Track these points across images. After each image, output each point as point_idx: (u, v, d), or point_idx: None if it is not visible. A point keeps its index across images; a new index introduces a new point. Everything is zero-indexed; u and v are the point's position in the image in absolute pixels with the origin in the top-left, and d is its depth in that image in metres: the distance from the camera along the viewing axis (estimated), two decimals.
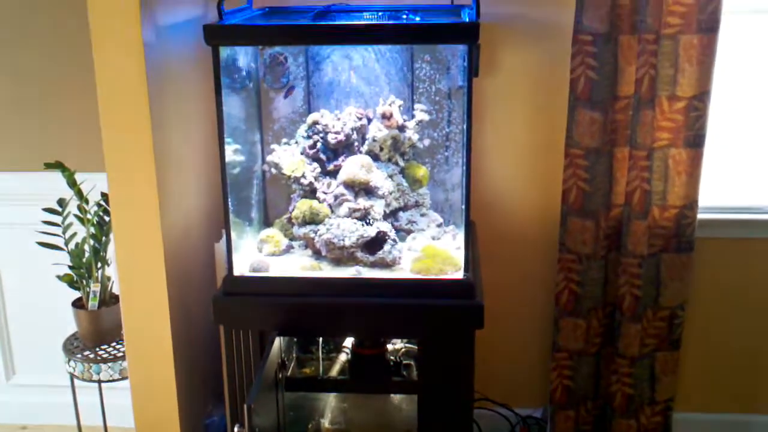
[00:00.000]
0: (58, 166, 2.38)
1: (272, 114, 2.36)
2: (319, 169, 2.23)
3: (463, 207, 2.03)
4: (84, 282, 2.45)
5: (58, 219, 2.42)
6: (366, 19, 2.15)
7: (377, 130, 2.21)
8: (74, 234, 2.45)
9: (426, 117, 2.25)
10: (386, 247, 2.09)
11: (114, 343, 2.49)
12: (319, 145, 2.23)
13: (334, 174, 2.22)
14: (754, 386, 2.75)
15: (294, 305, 2.02)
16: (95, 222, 2.41)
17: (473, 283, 1.99)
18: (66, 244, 2.44)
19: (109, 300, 2.48)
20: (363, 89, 2.31)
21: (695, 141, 2.30)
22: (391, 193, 2.20)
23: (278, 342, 2.02)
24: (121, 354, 2.43)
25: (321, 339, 2.30)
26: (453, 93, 2.29)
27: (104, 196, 2.39)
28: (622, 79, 2.32)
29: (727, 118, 2.55)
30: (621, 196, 2.44)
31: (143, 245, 2.06)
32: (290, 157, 2.23)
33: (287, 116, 2.36)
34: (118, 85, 1.94)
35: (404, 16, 2.11)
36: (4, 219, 2.78)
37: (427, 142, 2.31)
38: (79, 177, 2.40)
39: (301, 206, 2.17)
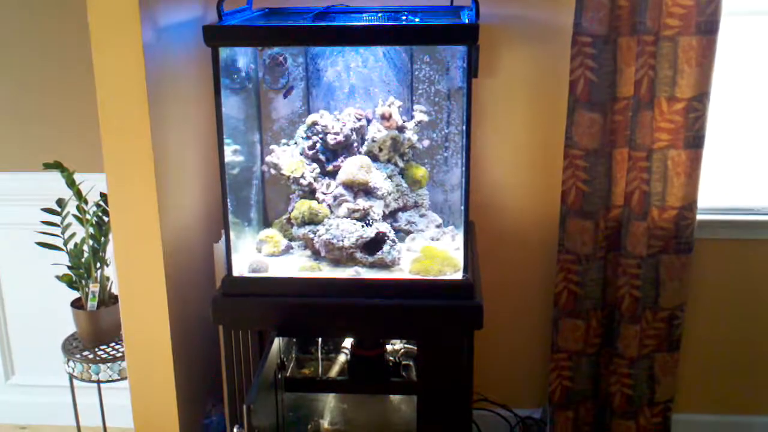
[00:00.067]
0: (57, 166, 2.38)
1: (271, 114, 2.36)
2: (318, 170, 2.23)
3: (463, 208, 2.03)
4: (83, 282, 2.45)
5: (57, 219, 2.42)
6: (365, 20, 2.15)
7: (376, 131, 2.22)
8: (73, 234, 2.45)
9: (425, 118, 2.26)
10: (385, 247, 2.09)
11: (113, 344, 2.49)
12: (318, 145, 2.23)
13: (333, 175, 2.22)
14: (754, 387, 2.75)
15: (293, 306, 2.02)
16: (94, 222, 2.42)
17: (472, 284, 1.99)
18: (65, 244, 2.44)
19: (108, 300, 2.48)
20: (362, 90, 2.31)
21: (694, 142, 2.30)
22: (390, 194, 2.20)
23: (277, 342, 2.02)
24: (120, 354, 2.43)
25: (320, 339, 2.31)
26: (452, 94, 2.29)
27: (103, 196, 2.39)
28: (621, 80, 2.33)
29: (726, 119, 2.55)
30: (620, 197, 2.44)
31: (142, 245, 2.07)
32: (289, 158, 2.23)
33: (286, 117, 2.36)
34: (118, 86, 1.95)
35: (404, 17, 2.11)
36: (3, 219, 2.78)
37: (426, 142, 2.31)
38: (78, 177, 2.40)
39: (301, 207, 2.17)
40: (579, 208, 2.42)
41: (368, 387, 2.23)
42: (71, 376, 2.48)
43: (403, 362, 2.24)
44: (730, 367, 2.73)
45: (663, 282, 2.44)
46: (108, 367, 2.41)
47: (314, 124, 2.24)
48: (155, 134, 1.99)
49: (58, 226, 2.42)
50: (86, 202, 2.42)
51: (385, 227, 2.11)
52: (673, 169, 2.33)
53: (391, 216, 2.24)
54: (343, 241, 2.08)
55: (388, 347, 2.26)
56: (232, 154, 2.07)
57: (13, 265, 2.84)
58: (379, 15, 2.18)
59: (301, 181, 2.21)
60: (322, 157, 2.24)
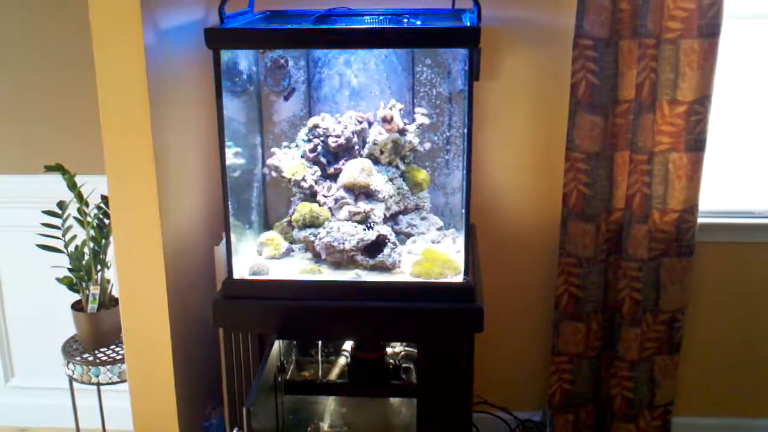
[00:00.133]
0: (58, 168, 2.38)
1: (273, 117, 2.36)
2: (319, 173, 2.23)
3: (464, 210, 2.03)
4: (83, 284, 2.45)
5: (58, 221, 2.42)
6: (367, 23, 2.15)
7: (378, 134, 2.21)
8: (74, 236, 2.45)
9: (426, 121, 2.25)
10: (386, 250, 2.08)
11: (113, 346, 2.49)
12: (319, 148, 2.23)
13: (334, 177, 2.22)
14: (754, 390, 2.75)
15: (293, 308, 2.02)
16: (95, 225, 2.41)
17: (473, 287, 1.99)
18: (66, 246, 2.44)
19: (109, 303, 2.48)
20: (364, 93, 2.31)
21: (696, 145, 2.30)
22: (391, 197, 2.20)
23: (277, 345, 2.01)
24: (120, 357, 2.43)
25: (320, 342, 2.30)
26: (454, 97, 2.29)
27: (104, 198, 2.39)
28: (622, 83, 2.33)
29: (728, 122, 2.55)
30: (621, 200, 2.44)
31: (143, 248, 2.06)
32: (290, 161, 2.23)
33: (288, 119, 2.36)
34: (119, 88, 1.94)
35: (405, 20, 2.11)
36: (4, 221, 2.78)
37: (427, 145, 2.31)
38: (79, 180, 2.40)
39: (301, 209, 2.17)
40: (580, 211, 2.42)
41: (368, 390, 2.23)
42: (71, 379, 2.48)
43: (404, 365, 2.24)
44: (730, 370, 2.73)
45: (664, 285, 2.44)
46: (108, 370, 2.41)
47: (315, 126, 2.24)
48: (156, 136, 1.99)
49: (59, 228, 2.42)
50: (87, 205, 2.42)
51: (386, 230, 2.11)
52: (675, 173, 2.33)
53: (392, 219, 2.24)
54: (344, 243, 2.07)
55: (389, 350, 2.26)
56: (233, 156, 2.07)
57: (14, 267, 2.84)
58: (381, 18, 2.18)
59: (302, 183, 2.21)
60: (323, 160, 2.24)
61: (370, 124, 2.26)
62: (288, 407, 2.16)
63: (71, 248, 2.44)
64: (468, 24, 1.97)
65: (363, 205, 2.13)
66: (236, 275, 2.04)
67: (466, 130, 1.95)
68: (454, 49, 2.21)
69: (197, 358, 2.34)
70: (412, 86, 2.30)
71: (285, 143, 2.31)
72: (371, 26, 2.08)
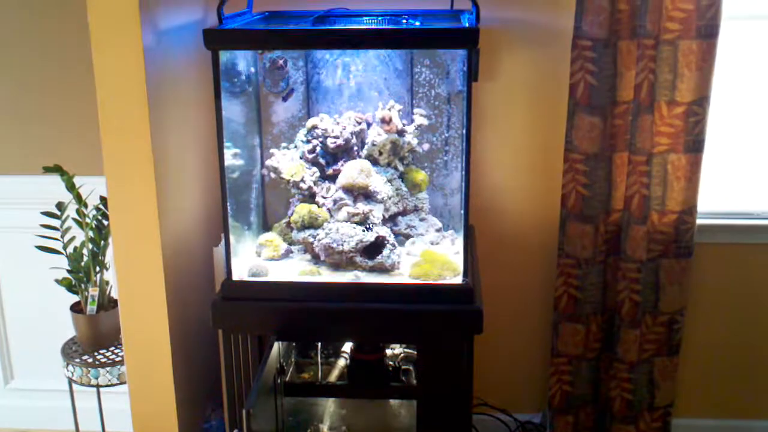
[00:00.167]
0: (57, 169, 2.38)
1: (271, 118, 2.36)
2: (318, 174, 2.23)
3: (462, 211, 2.03)
4: (82, 286, 2.45)
5: (56, 223, 2.42)
6: (366, 24, 2.15)
7: (376, 135, 2.21)
8: (73, 238, 2.45)
9: (425, 121, 2.26)
10: (385, 251, 2.08)
11: (112, 348, 2.48)
12: (318, 149, 2.23)
13: (333, 178, 2.22)
14: (754, 391, 2.75)
15: (293, 310, 2.02)
16: (94, 226, 2.41)
17: (472, 288, 1.99)
18: (64, 248, 2.44)
19: (108, 304, 2.48)
20: (362, 93, 2.31)
21: (694, 146, 2.30)
22: (390, 198, 2.20)
23: (277, 347, 2.01)
24: (119, 358, 2.42)
25: (320, 344, 2.30)
26: (452, 97, 2.30)
27: (103, 200, 2.39)
28: (621, 84, 2.33)
29: (726, 123, 2.55)
30: (620, 201, 2.44)
31: (142, 249, 2.06)
32: (289, 162, 2.23)
33: (286, 120, 2.36)
34: (118, 89, 1.94)
35: (404, 21, 2.11)
36: (2, 222, 2.78)
37: (426, 146, 2.31)
38: (78, 181, 2.40)
39: (300, 210, 2.17)
40: (579, 212, 2.42)
41: (368, 391, 2.23)
42: (70, 381, 2.48)
43: (403, 367, 2.24)
44: (729, 372, 2.73)
45: (663, 286, 2.44)
46: (107, 372, 2.41)
47: (314, 127, 2.24)
48: (155, 137, 1.99)
49: (58, 229, 2.42)
50: (86, 206, 2.41)
51: (384, 231, 2.11)
52: (673, 174, 2.33)
53: (390, 220, 2.24)
54: (342, 245, 2.07)
55: (388, 351, 2.26)
56: (232, 157, 2.07)
57: (13, 268, 2.84)
58: (380, 19, 2.18)
59: (301, 185, 2.21)
60: (322, 161, 2.24)
61: (368, 125, 2.26)
62: (287, 409, 2.16)
63: (70, 249, 2.44)
64: (467, 25, 1.97)
65: (362, 207, 2.13)
66: (235, 277, 2.04)
67: (464, 131, 1.95)
68: (452, 50, 2.21)
69: (197, 360, 2.33)
70: (410, 87, 2.30)
71: (284, 144, 2.31)
72: (370, 27, 2.08)
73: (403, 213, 2.27)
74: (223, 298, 2.03)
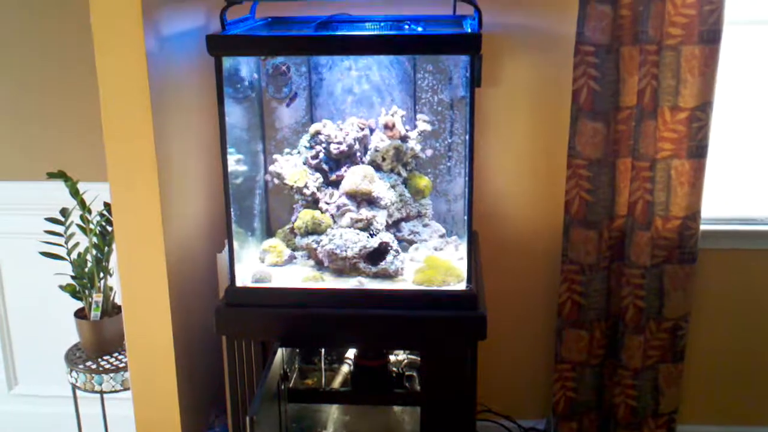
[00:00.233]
0: (60, 175, 2.39)
1: (275, 124, 2.36)
2: (321, 179, 2.23)
3: (466, 217, 2.03)
4: (86, 292, 2.45)
5: (60, 229, 2.42)
6: (368, 30, 2.15)
7: (379, 141, 2.22)
8: (77, 244, 2.45)
9: (428, 127, 2.26)
10: (388, 257, 2.08)
11: (116, 354, 2.48)
12: (321, 155, 2.23)
13: (336, 184, 2.22)
14: (758, 397, 2.74)
15: (296, 316, 2.02)
16: (98, 232, 2.42)
17: (476, 294, 1.99)
18: (68, 253, 2.44)
19: (112, 310, 2.48)
20: (365, 99, 2.32)
21: (697, 152, 2.30)
22: (393, 204, 2.20)
23: (280, 353, 2.01)
24: (123, 365, 2.42)
25: (323, 350, 2.30)
26: (455, 103, 2.30)
27: (107, 206, 2.39)
28: (624, 89, 2.33)
29: (730, 128, 2.54)
30: (624, 206, 2.44)
31: (145, 255, 2.06)
32: (292, 167, 2.23)
33: (289, 126, 2.36)
34: (121, 94, 1.95)
35: (406, 27, 2.12)
36: (6, 228, 2.78)
37: (429, 152, 2.31)
38: (81, 187, 2.41)
39: (304, 216, 2.17)
40: (582, 217, 2.42)
41: (371, 398, 2.22)
42: (74, 387, 2.48)
43: (407, 373, 2.24)
44: (734, 378, 2.72)
45: (667, 292, 2.43)
46: (111, 378, 2.41)
47: (317, 133, 2.24)
48: (159, 142, 1.99)
49: (62, 235, 2.42)
50: (90, 212, 2.42)
51: (388, 237, 2.11)
52: (677, 179, 2.32)
53: (394, 226, 2.24)
54: (346, 251, 2.07)
55: (392, 358, 2.26)
56: (235, 163, 2.07)
57: (17, 274, 2.84)
58: (382, 24, 2.18)
59: (304, 190, 2.21)
60: (325, 167, 2.24)
61: (371, 130, 2.26)
62: (291, 415, 2.15)
63: (74, 255, 2.44)
64: (469, 30, 1.97)
65: (365, 212, 2.13)
66: (239, 283, 2.04)
67: (467, 137, 1.95)
68: (455, 56, 2.21)
69: (200, 366, 2.33)
70: (413, 93, 2.30)
71: (287, 150, 2.31)
72: (372, 33, 2.08)
73: (407, 219, 2.27)
74: (226, 304, 2.03)
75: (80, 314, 2.48)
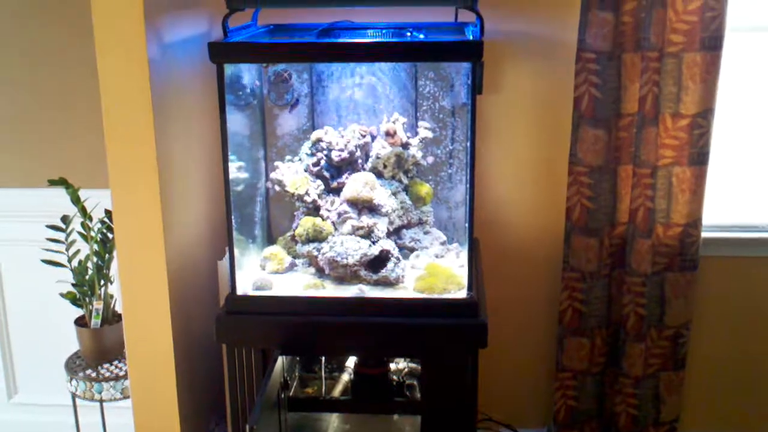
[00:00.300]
0: (61, 182, 2.38)
1: (276, 131, 2.36)
2: (322, 187, 2.23)
3: (467, 225, 2.02)
4: (87, 299, 2.44)
5: (61, 236, 2.42)
6: (370, 37, 2.15)
7: (381, 148, 2.21)
8: (77, 251, 2.45)
9: (430, 134, 2.25)
10: (389, 265, 2.08)
11: (116, 362, 2.48)
12: (322, 162, 2.23)
13: (337, 191, 2.22)
14: (759, 405, 2.73)
15: (297, 324, 2.01)
16: (99, 239, 2.41)
17: (477, 302, 1.98)
18: (69, 261, 2.44)
19: (112, 318, 2.48)
20: (367, 106, 2.32)
21: (699, 159, 2.30)
22: (394, 211, 2.19)
23: (281, 361, 2.00)
24: (123, 373, 2.42)
25: (324, 358, 2.29)
26: (457, 110, 2.30)
27: (108, 213, 2.39)
28: (625, 96, 2.33)
29: (731, 135, 2.54)
30: (625, 214, 2.44)
31: (146, 263, 2.06)
32: (294, 175, 2.23)
33: (291, 133, 2.36)
34: (123, 101, 1.95)
35: (408, 34, 2.12)
36: (7, 235, 2.78)
37: (430, 159, 2.31)
38: (82, 194, 2.40)
39: (305, 224, 2.16)
40: (584, 225, 2.41)
41: (372, 406, 2.22)
42: (74, 395, 2.47)
43: (407, 381, 2.23)
44: (735, 386, 2.71)
45: (668, 300, 2.43)
46: (111, 386, 2.40)
47: (319, 140, 2.24)
48: (160, 149, 1.99)
49: (63, 243, 2.42)
50: (91, 219, 2.41)
51: (389, 245, 2.11)
52: (678, 186, 2.32)
53: (395, 233, 2.23)
54: (347, 258, 2.07)
55: (392, 366, 2.25)
56: (236, 170, 2.07)
57: (17, 281, 2.84)
58: (384, 32, 2.18)
59: (306, 198, 2.21)
60: (326, 174, 2.23)
61: (373, 137, 2.26)
62: (291, 424, 2.14)
63: (75, 263, 2.44)
64: (471, 38, 1.97)
65: (366, 220, 2.13)
66: (239, 290, 2.03)
67: (469, 144, 1.95)
68: (457, 63, 2.21)
69: (200, 374, 2.33)
70: (415, 100, 2.30)
71: (288, 157, 2.30)
72: (374, 40, 2.08)
73: (408, 226, 2.26)
74: (227, 312, 2.03)
75: (80, 322, 2.47)
